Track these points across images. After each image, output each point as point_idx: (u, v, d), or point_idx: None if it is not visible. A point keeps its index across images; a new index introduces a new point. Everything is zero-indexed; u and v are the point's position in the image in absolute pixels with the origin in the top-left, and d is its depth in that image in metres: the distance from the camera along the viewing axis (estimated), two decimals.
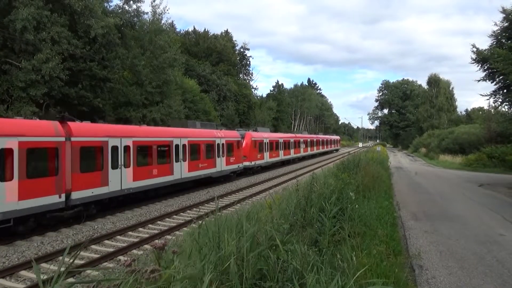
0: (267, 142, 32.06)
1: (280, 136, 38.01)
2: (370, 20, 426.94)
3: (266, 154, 31.75)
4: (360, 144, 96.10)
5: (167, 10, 31.56)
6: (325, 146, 62.13)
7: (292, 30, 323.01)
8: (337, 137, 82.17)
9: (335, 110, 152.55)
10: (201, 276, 2.95)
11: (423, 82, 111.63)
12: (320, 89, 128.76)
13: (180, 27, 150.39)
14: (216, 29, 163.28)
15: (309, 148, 49.49)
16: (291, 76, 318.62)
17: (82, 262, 9.39)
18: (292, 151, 41.02)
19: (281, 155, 36.88)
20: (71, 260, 2.47)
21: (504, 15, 21.47)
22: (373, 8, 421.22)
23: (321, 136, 63.16)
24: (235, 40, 65.53)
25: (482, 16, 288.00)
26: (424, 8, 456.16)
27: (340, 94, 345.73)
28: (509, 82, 20.10)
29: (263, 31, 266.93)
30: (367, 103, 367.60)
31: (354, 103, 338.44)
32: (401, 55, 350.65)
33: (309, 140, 50.27)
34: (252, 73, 72.92)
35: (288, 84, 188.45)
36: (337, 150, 76.33)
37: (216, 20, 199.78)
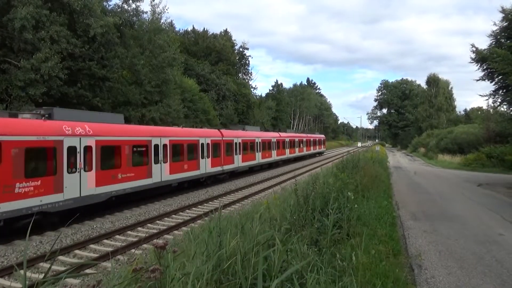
0: (114, 147, 14.74)
1: (180, 133, 19.94)
2: (369, 20, 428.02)
3: (84, 177, 13.11)
4: (359, 144, 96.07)
5: (167, 9, 31.56)
6: (296, 150, 42.98)
7: (291, 30, 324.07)
8: (321, 136, 61.05)
9: (334, 110, 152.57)
10: (200, 276, 2.95)
11: (422, 82, 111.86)
12: (319, 88, 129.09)
13: (179, 26, 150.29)
14: (215, 29, 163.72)
15: (258, 155, 30.62)
16: (290, 76, 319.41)
17: (81, 261, 9.39)
18: (205, 162, 21.46)
19: (168, 173, 17.97)
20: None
21: (503, 15, 21.49)
22: (372, 8, 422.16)
23: (289, 135, 41.59)
24: (234, 40, 65.52)
25: (482, 16, 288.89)
26: (424, 8, 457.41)
27: (340, 94, 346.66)
28: (508, 82, 20.12)
29: (262, 31, 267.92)
30: (366, 103, 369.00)
31: (353, 103, 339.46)
32: (400, 55, 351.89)
33: (258, 141, 30.65)
34: (251, 72, 72.88)
35: (287, 84, 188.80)
36: (320, 154, 57.67)
37: (215, 19, 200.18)
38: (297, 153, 43.40)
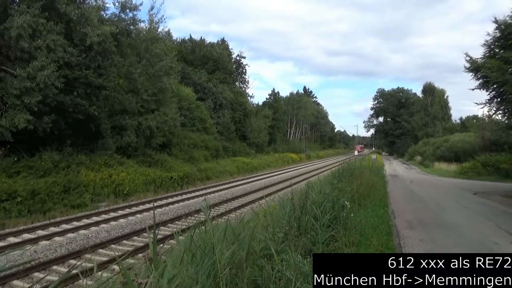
0: None
1: None
2: None
3: None
4: (356, 152, 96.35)
5: (164, 19, 31.59)
6: None
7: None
8: None
9: (330, 119, 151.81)
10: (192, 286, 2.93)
11: (418, 91, 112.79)
12: (315, 97, 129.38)
13: (177, 35, 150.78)
14: (217, 37, 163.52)
15: None
16: (289, 83, 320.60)
17: (75, 271, 9.29)
18: None
19: None
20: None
21: (496, 25, 21.73)
22: None
23: None
24: (231, 49, 65.81)
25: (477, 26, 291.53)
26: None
27: (337, 102, 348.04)
28: (505, 89, 20.26)
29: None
30: (363, 112, 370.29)
31: (350, 111, 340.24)
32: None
33: None
34: (248, 81, 73.04)
35: (284, 93, 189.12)
36: None
37: (217, 27, 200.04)
38: None
